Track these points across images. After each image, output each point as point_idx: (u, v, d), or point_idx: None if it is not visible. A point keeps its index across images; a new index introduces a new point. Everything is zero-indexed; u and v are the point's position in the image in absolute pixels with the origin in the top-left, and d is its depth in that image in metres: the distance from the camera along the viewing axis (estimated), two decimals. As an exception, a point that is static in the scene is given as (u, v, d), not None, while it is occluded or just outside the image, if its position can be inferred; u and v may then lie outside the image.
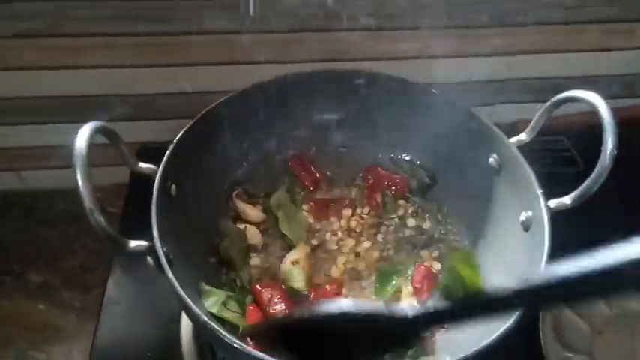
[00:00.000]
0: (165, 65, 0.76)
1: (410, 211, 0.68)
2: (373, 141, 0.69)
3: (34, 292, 0.86)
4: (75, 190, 0.93)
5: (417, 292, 0.58)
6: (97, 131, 0.44)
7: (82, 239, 0.91)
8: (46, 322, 0.83)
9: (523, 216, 0.54)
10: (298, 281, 0.58)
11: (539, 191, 0.52)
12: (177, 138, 0.54)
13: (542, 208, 0.51)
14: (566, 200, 0.50)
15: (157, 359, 0.63)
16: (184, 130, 0.55)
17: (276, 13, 0.71)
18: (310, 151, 0.70)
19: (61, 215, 0.92)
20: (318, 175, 0.70)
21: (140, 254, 0.47)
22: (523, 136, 0.57)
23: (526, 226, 0.53)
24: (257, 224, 0.65)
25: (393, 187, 0.68)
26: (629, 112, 0.89)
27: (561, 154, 0.85)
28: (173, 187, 0.54)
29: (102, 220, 0.42)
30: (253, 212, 0.65)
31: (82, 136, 0.42)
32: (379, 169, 0.70)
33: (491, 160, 0.59)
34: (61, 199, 0.92)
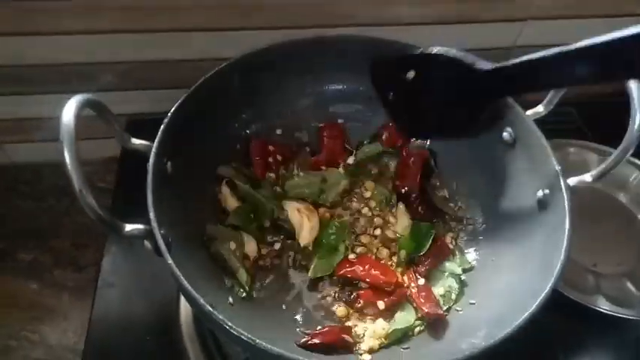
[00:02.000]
0: (151, 31, 0.71)
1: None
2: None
3: (24, 271, 0.82)
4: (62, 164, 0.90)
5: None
6: (85, 104, 0.40)
7: (72, 215, 0.87)
8: (38, 302, 0.80)
9: (540, 193, 0.51)
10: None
11: (557, 167, 0.49)
12: (172, 110, 0.50)
13: (562, 185, 0.48)
14: (587, 178, 0.48)
15: (156, 342, 0.61)
16: (179, 101, 0.51)
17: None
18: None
19: (48, 190, 0.88)
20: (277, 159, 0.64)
21: (136, 238, 0.44)
22: (540, 109, 0.54)
23: (543, 205, 0.51)
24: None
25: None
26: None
27: (571, 125, 0.82)
28: (169, 163, 0.50)
29: (94, 202, 0.39)
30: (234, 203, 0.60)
31: (69, 110, 0.38)
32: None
33: (505, 133, 0.56)
34: (47, 173, 0.89)
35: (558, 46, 0.37)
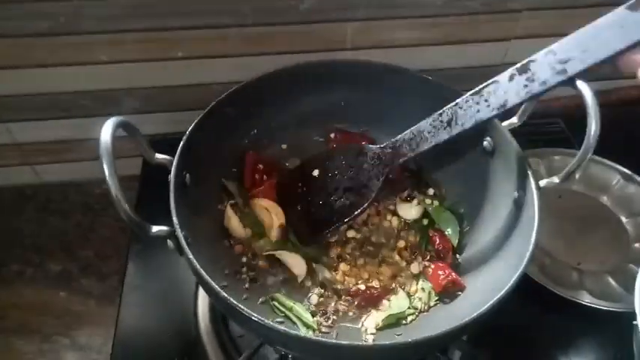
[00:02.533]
0: (167, 59, 0.80)
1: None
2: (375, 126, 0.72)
3: (53, 280, 0.90)
4: (87, 182, 0.97)
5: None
6: (119, 125, 0.47)
7: (96, 229, 0.95)
8: (68, 309, 0.87)
9: (516, 195, 0.57)
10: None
11: (529, 171, 0.56)
12: (189, 129, 0.58)
13: (533, 187, 0.54)
14: (555, 179, 0.54)
15: (175, 338, 0.68)
16: (196, 121, 0.58)
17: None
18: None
19: (74, 207, 0.96)
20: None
21: (161, 239, 0.50)
22: (515, 120, 0.60)
23: (519, 205, 0.57)
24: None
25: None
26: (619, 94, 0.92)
27: (558, 135, 0.88)
28: (187, 175, 0.57)
29: (127, 207, 0.45)
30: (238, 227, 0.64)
31: (106, 130, 0.45)
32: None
33: (485, 142, 0.62)
34: (74, 191, 0.97)
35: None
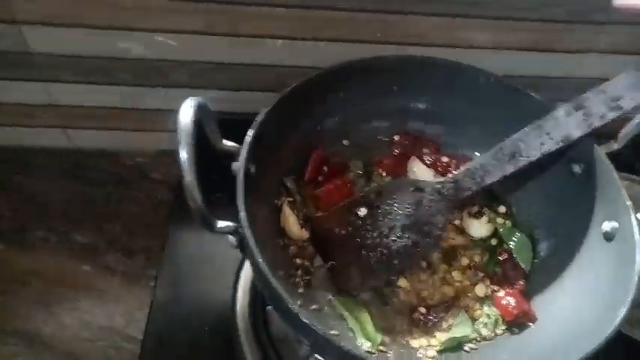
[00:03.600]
0: (228, 35, 0.74)
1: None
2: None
3: (78, 253, 0.85)
4: (121, 153, 0.92)
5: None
6: (198, 108, 0.42)
7: (126, 203, 0.90)
8: (90, 284, 0.83)
9: (607, 226, 0.52)
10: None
11: (628, 202, 0.51)
12: (262, 116, 0.53)
13: (632, 219, 0.49)
14: (658, 216, 0.49)
15: (211, 331, 0.65)
16: (269, 108, 0.53)
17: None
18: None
19: (105, 177, 0.92)
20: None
21: (224, 234, 0.46)
22: (614, 144, 0.55)
23: (609, 237, 0.52)
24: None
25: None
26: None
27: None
28: (253, 167, 0.53)
29: (199, 197, 0.41)
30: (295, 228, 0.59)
31: (186, 112, 0.41)
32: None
33: (575, 165, 0.57)
34: (105, 160, 0.92)
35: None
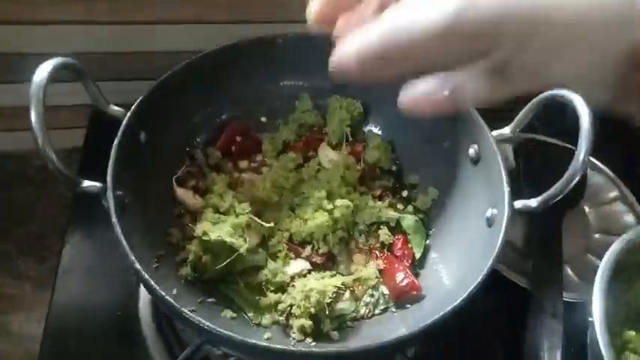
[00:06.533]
0: (125, 23, 0.73)
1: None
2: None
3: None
4: (28, 153, 0.84)
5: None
6: (62, 67, 0.43)
7: (36, 206, 0.86)
8: (1, 292, 0.80)
9: (489, 212, 0.52)
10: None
11: (506, 189, 0.50)
12: (154, 85, 0.54)
13: (506, 205, 0.49)
14: (532, 203, 0.48)
15: (115, 328, 0.61)
16: (160, 80, 0.55)
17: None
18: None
19: (13, 179, 0.87)
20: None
21: (94, 196, 0.47)
22: (507, 131, 0.54)
23: (490, 223, 0.52)
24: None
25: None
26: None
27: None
28: (143, 133, 0.54)
29: (54, 156, 0.42)
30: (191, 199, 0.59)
31: (43, 69, 0.42)
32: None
33: (471, 150, 0.57)
34: (12, 162, 0.87)
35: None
